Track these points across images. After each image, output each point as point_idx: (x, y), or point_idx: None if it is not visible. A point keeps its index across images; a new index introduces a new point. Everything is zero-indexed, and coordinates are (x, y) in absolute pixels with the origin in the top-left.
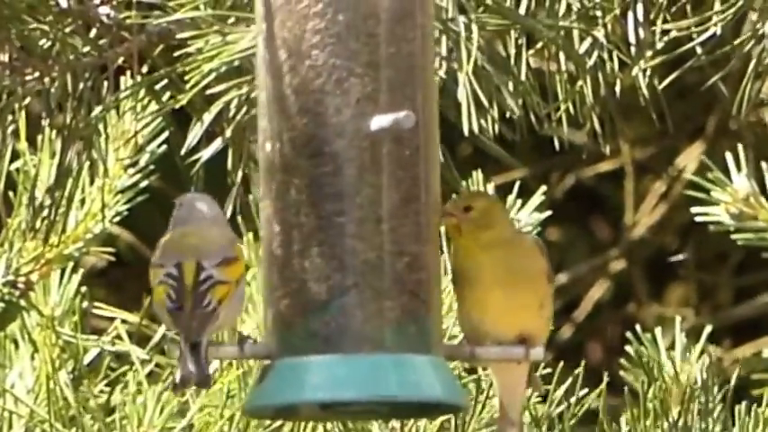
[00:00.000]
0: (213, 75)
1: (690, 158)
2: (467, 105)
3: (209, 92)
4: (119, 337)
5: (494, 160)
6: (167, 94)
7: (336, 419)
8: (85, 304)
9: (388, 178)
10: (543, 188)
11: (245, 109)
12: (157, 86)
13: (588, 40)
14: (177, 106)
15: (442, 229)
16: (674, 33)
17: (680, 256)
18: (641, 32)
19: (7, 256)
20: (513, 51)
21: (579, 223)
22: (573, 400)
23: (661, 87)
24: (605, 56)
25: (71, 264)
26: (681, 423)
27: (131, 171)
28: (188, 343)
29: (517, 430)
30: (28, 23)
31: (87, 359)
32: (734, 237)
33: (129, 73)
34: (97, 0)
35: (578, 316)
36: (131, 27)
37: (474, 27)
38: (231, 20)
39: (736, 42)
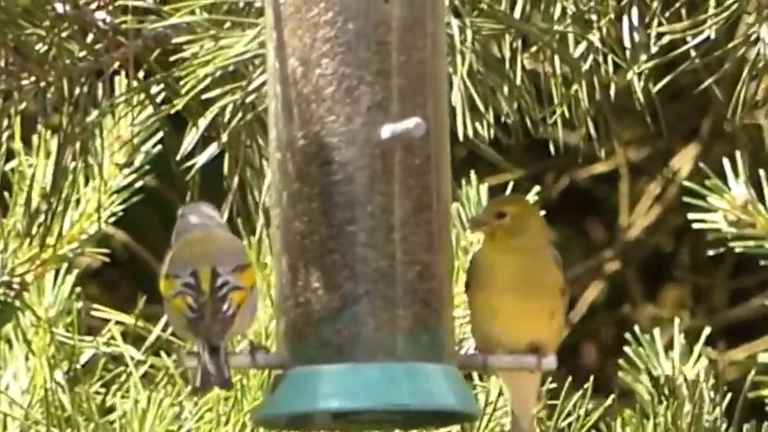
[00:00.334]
0: (208, 80)
1: (684, 160)
2: (461, 109)
3: (203, 97)
4: (114, 338)
5: (488, 162)
6: (163, 97)
7: (349, 428)
8: (80, 305)
9: (399, 187)
10: (537, 188)
11: (240, 114)
12: (153, 90)
13: (583, 44)
14: (173, 111)
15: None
16: (668, 36)
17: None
18: (636, 36)
19: (2, 257)
20: (507, 54)
21: (574, 225)
22: (582, 411)
23: (656, 90)
24: (600, 59)
25: (65, 264)
26: None
27: (126, 171)
28: (208, 347)
29: None
30: (24, 28)
31: (82, 360)
32: (732, 244)
33: (124, 74)
34: (93, 5)
35: (573, 317)
36: (127, 32)
37: (468, 32)
38: (227, 24)
39: (730, 45)
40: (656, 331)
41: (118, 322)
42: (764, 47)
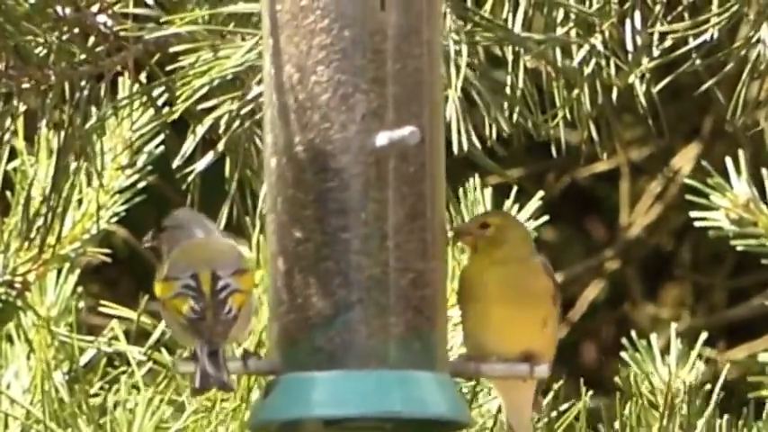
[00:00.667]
0: (204, 89)
1: (685, 159)
2: (456, 123)
3: (199, 107)
4: (115, 337)
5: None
6: (164, 100)
7: None
8: (81, 304)
9: (393, 194)
10: (541, 193)
11: (237, 122)
12: (154, 94)
13: (585, 47)
14: (170, 120)
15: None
16: (670, 38)
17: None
18: (638, 39)
19: (4, 257)
20: (510, 57)
21: (575, 223)
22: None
23: (656, 90)
24: (602, 62)
25: (67, 264)
26: None
27: (128, 172)
28: (209, 350)
29: None
30: (25, 31)
31: (83, 359)
32: (733, 243)
33: (126, 76)
34: (94, 9)
35: (573, 316)
36: (128, 35)
37: (464, 47)
38: (225, 34)
39: (732, 47)
40: (653, 336)
41: (120, 318)
42: (765, 48)
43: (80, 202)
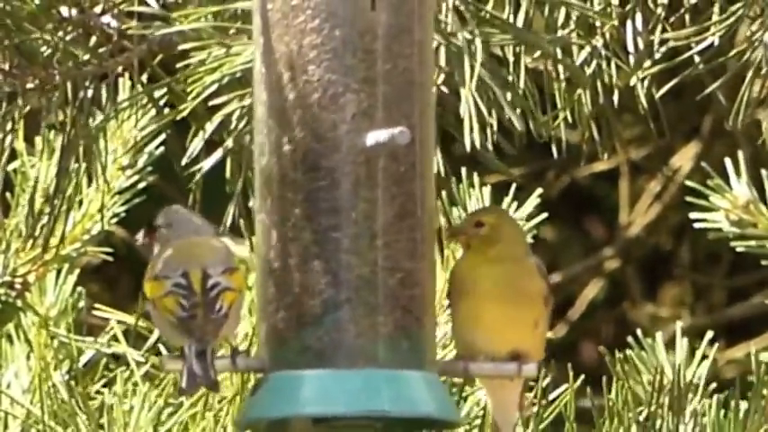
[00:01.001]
0: (215, 86)
1: (685, 159)
2: (469, 121)
3: (210, 104)
4: (115, 337)
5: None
6: (165, 101)
7: None
8: (82, 304)
9: (383, 194)
10: (539, 190)
11: (245, 120)
12: (157, 95)
13: (587, 49)
14: (179, 117)
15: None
16: (672, 41)
17: None
18: (640, 42)
19: (4, 257)
20: (511, 58)
21: (574, 223)
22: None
23: (658, 92)
24: (604, 64)
25: (67, 264)
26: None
27: (129, 172)
28: (198, 348)
29: None
30: (29, 31)
31: (83, 360)
32: (733, 243)
33: (128, 77)
34: (98, 9)
35: (572, 315)
36: (132, 36)
37: (477, 41)
38: (232, 31)
39: (732, 53)
40: (659, 335)
41: (119, 322)
42: (766, 51)
43: (80, 202)
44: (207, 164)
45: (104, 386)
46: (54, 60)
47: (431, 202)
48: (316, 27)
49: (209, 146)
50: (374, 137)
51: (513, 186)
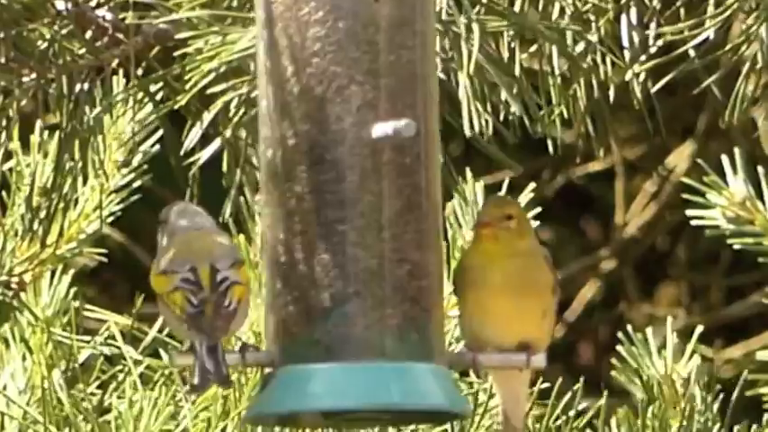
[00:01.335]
0: (212, 75)
1: (680, 158)
2: (467, 105)
3: (208, 92)
4: (112, 337)
5: (484, 160)
6: (163, 95)
7: (338, 426)
8: (77, 303)
9: (389, 186)
10: (532, 185)
11: (242, 110)
12: (153, 88)
13: (582, 44)
14: (176, 107)
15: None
16: (667, 36)
17: None
18: (635, 36)
19: (0, 257)
20: (506, 54)
21: (570, 223)
22: (572, 413)
23: (653, 89)
24: (599, 59)
25: (63, 264)
26: None
27: (124, 171)
28: (209, 344)
29: None
30: (25, 25)
31: (80, 360)
32: (730, 241)
33: (122, 73)
34: (93, 2)
35: (569, 316)
36: (127, 29)
37: (475, 26)
38: (228, 20)
39: (728, 47)
40: (649, 330)
41: (115, 323)
42: (762, 46)
43: (76, 201)
44: (204, 154)
45: (99, 387)
46: (50, 54)
47: (436, 193)
48: (319, 19)
49: (206, 141)
50: (380, 129)
51: (506, 184)
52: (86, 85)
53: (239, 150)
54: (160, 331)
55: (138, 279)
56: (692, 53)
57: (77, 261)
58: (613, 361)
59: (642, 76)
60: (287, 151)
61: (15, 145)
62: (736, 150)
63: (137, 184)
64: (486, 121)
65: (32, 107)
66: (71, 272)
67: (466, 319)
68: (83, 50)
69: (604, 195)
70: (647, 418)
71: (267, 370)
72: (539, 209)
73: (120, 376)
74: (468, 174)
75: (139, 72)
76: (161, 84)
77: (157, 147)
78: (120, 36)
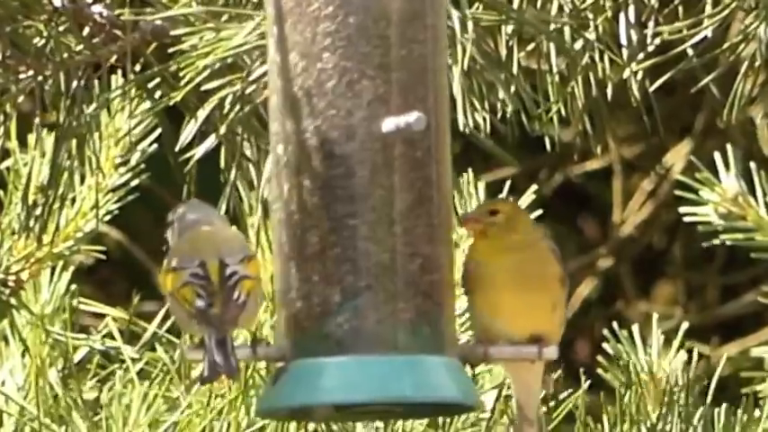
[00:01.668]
0: (208, 71)
1: (678, 156)
2: (462, 101)
3: (203, 88)
4: (109, 335)
5: (483, 158)
6: (160, 92)
7: (350, 419)
8: (75, 302)
9: (400, 180)
10: (534, 187)
11: (238, 106)
12: (150, 85)
13: (580, 42)
14: (171, 103)
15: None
16: (665, 35)
17: None
18: (633, 34)
19: None
20: (503, 51)
21: (567, 221)
22: (555, 403)
23: (651, 88)
24: (596, 57)
25: (61, 262)
26: (660, 427)
27: (122, 170)
28: (218, 337)
29: (535, 429)
30: (21, 22)
31: (77, 357)
32: (722, 237)
33: (120, 71)
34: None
35: (567, 314)
36: (124, 26)
37: (469, 23)
38: (224, 17)
39: (725, 46)
40: (635, 327)
41: (114, 319)
42: (761, 45)
43: (74, 200)
44: (201, 150)
45: (98, 383)
46: (47, 51)
47: (447, 187)
48: (330, 14)
49: (204, 138)
50: (390, 123)
51: (508, 184)
52: (83, 82)
53: (236, 146)
54: (158, 328)
55: (136, 277)
56: (690, 52)
57: (75, 258)
58: (599, 358)
59: (640, 75)
60: (297, 146)
61: (13, 143)
62: (729, 147)
63: (134, 183)
64: (484, 119)
65: (30, 105)
66: (70, 269)
67: (476, 317)
68: (80, 47)
69: (602, 194)
70: (623, 404)
71: (279, 364)
72: (538, 212)
73: (119, 373)
74: (470, 173)
75: (136, 69)
76: (158, 80)
77: (155, 146)
78: (117, 33)
